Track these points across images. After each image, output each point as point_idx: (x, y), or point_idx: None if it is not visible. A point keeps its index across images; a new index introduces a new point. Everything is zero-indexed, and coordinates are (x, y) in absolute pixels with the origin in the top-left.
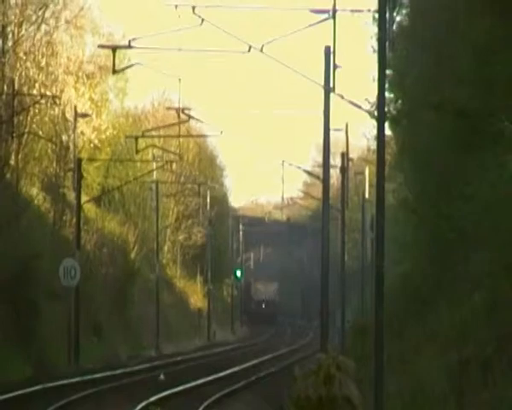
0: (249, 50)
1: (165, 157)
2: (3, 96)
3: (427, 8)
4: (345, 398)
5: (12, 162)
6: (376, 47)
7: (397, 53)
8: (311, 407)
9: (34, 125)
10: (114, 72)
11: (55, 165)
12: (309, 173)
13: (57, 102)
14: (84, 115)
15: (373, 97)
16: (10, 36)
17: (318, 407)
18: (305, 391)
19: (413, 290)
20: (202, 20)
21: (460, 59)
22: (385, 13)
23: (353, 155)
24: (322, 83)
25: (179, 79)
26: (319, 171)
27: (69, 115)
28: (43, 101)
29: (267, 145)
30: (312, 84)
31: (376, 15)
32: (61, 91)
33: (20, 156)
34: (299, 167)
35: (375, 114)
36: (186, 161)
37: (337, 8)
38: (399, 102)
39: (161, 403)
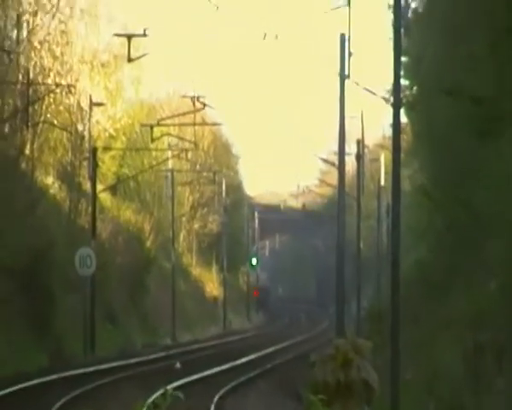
0: (264, 38)
1: (181, 145)
2: (18, 86)
3: None
4: (363, 381)
5: (27, 152)
6: (392, 34)
7: (412, 39)
8: (329, 392)
9: (49, 115)
10: (130, 60)
11: (70, 154)
12: (324, 161)
13: (72, 91)
14: (99, 104)
15: (388, 84)
16: (25, 25)
17: (336, 391)
18: (323, 376)
19: (429, 277)
20: (217, 7)
21: (475, 44)
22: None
23: (369, 142)
24: (338, 70)
25: (194, 68)
26: (335, 158)
27: (84, 104)
28: (58, 90)
29: (283, 133)
30: (328, 71)
31: (392, 2)
32: (76, 80)
33: (35, 146)
34: (314, 155)
35: (391, 100)
36: (201, 149)
37: None
38: (415, 88)
39: (177, 391)
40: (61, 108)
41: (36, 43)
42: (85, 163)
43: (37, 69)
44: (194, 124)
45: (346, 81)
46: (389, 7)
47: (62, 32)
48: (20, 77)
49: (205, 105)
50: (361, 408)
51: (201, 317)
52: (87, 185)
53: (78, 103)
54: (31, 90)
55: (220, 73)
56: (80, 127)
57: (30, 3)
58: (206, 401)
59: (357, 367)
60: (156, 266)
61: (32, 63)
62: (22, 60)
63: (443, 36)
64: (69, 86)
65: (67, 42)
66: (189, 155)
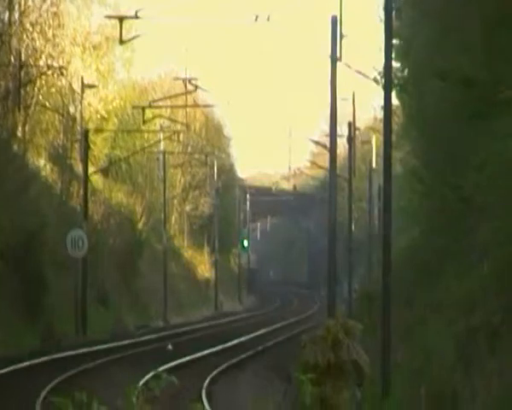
0: (256, 20)
1: (173, 127)
2: (10, 68)
3: None
4: (353, 363)
5: (19, 134)
6: (383, 16)
7: (403, 22)
8: (319, 373)
9: (41, 97)
10: (121, 42)
11: (62, 136)
12: (316, 143)
13: (64, 73)
14: (91, 86)
15: (380, 66)
16: (17, 7)
17: (327, 371)
18: (314, 357)
19: (420, 260)
20: None
21: (467, 26)
22: None
23: (360, 124)
24: (329, 52)
25: (186, 49)
26: (327, 140)
27: (76, 86)
28: (49, 72)
29: (275, 115)
30: (320, 53)
31: None
32: (68, 62)
33: (27, 128)
34: (306, 137)
35: (382, 82)
36: (193, 131)
37: None
38: (406, 70)
39: (169, 373)
40: (53, 90)
41: (28, 25)
42: (77, 145)
43: (29, 51)
44: (186, 106)
45: (338, 63)
46: None
47: (54, 13)
48: (12, 59)
49: (197, 87)
50: (352, 391)
51: (193, 299)
52: (79, 167)
53: (70, 85)
54: (22, 72)
55: (212, 54)
56: (72, 109)
57: None
58: (198, 382)
59: (347, 348)
60: (148, 248)
61: (24, 45)
62: (14, 42)
63: (434, 19)
64: (61, 68)
65: (59, 24)
66: (181, 136)
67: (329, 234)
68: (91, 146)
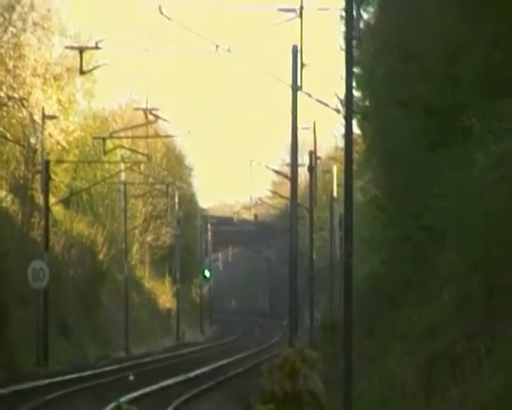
0: (216, 50)
1: (133, 158)
2: None
3: (393, 5)
4: (309, 392)
5: None
6: (344, 45)
7: (364, 51)
8: (276, 402)
9: (1, 128)
10: (82, 73)
11: (23, 167)
12: (277, 172)
13: (25, 104)
14: (52, 117)
15: (342, 94)
16: None
17: (284, 401)
18: (271, 386)
19: (382, 289)
20: (169, 19)
21: (427, 56)
22: (352, 11)
23: (321, 153)
24: (290, 82)
25: (146, 80)
26: (288, 170)
27: (37, 117)
28: (10, 103)
29: (235, 145)
30: (280, 82)
31: (344, 14)
32: (29, 93)
33: None
34: (267, 167)
35: (344, 111)
36: (154, 161)
37: (304, 6)
38: (367, 99)
39: (131, 404)
40: (14, 121)
41: None
42: (38, 176)
43: None
44: (147, 136)
45: (299, 92)
46: (341, 18)
47: (15, 44)
48: None
49: (157, 117)
50: None
51: (154, 329)
52: (40, 198)
53: (31, 116)
54: None
55: (173, 84)
56: (33, 140)
57: None
58: None
59: (303, 377)
60: (109, 278)
61: None
62: None
63: (394, 48)
64: (22, 99)
65: (20, 55)
66: (142, 167)
67: (291, 263)
68: (52, 177)
